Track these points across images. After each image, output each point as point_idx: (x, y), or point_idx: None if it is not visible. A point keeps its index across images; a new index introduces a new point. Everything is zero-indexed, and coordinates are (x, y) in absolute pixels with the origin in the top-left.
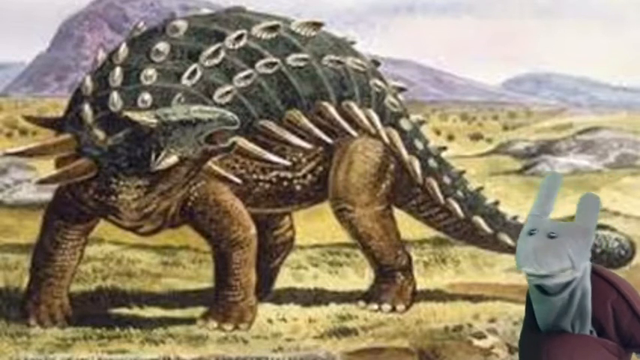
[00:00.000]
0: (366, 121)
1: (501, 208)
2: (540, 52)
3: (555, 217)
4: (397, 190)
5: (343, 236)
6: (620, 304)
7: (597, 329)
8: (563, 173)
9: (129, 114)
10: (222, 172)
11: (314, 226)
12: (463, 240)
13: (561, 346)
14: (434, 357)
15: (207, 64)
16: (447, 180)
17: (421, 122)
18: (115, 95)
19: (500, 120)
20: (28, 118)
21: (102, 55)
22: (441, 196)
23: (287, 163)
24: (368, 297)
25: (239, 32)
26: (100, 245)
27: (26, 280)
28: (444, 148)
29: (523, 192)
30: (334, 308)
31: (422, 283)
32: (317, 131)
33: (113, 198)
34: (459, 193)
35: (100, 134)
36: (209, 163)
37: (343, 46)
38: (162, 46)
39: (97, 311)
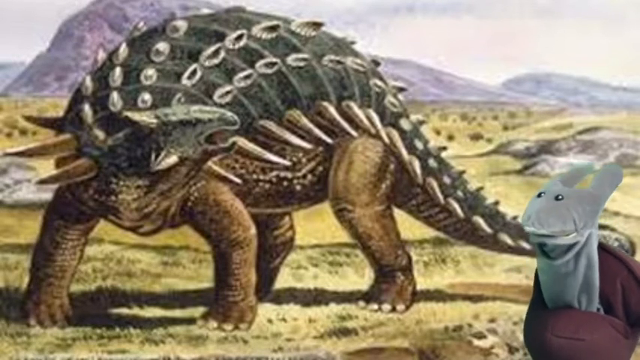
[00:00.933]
0: (366, 121)
1: (501, 208)
2: (540, 52)
3: None
4: (397, 190)
5: (343, 236)
6: (630, 281)
7: (605, 306)
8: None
9: (129, 114)
10: (222, 172)
11: (314, 226)
12: (463, 240)
13: (567, 322)
14: (434, 357)
15: (207, 64)
16: (447, 180)
17: (421, 122)
18: (115, 95)
19: (500, 120)
20: (28, 118)
21: (102, 55)
22: (441, 196)
23: (287, 163)
24: (368, 297)
25: (239, 32)
26: (100, 245)
27: (26, 280)
28: (444, 148)
29: (523, 192)
30: (334, 308)
31: (422, 283)
32: (317, 131)
33: (113, 198)
34: (459, 193)
35: (100, 134)
36: (209, 163)
37: (343, 46)
38: (162, 46)
39: (97, 311)
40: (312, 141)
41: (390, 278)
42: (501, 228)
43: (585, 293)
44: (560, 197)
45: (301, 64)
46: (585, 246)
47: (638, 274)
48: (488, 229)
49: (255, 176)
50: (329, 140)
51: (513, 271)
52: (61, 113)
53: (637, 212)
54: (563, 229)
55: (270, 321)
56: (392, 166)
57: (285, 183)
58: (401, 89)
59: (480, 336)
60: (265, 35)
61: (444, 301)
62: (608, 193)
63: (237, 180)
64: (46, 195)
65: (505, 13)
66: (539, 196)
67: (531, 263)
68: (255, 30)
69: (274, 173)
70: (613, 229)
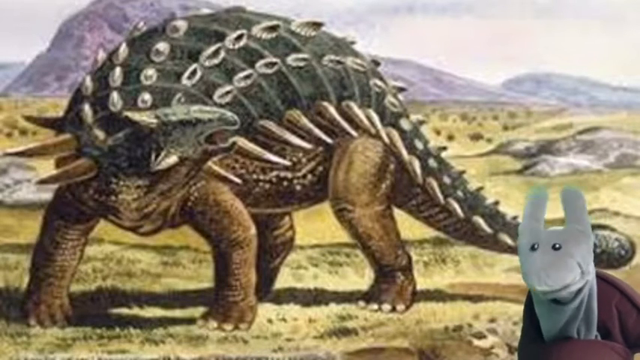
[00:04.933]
0: (366, 121)
1: (501, 208)
2: (540, 52)
3: (554, 219)
4: (397, 190)
5: (343, 236)
6: (625, 304)
7: (602, 333)
8: (563, 173)
9: (129, 114)
10: (222, 172)
11: (314, 226)
12: (463, 240)
13: (570, 353)
14: (434, 357)
15: (207, 64)
16: (447, 180)
17: (421, 122)
18: (115, 95)
19: (500, 120)
20: (28, 118)
21: (102, 55)
22: (441, 196)
23: (287, 163)
24: (368, 297)
25: (239, 32)
26: (100, 245)
27: (26, 280)
28: (444, 148)
29: (523, 192)
30: (334, 308)
31: (422, 283)
32: (317, 131)
33: (113, 198)
34: (459, 193)
35: (100, 134)
36: (209, 163)
37: (343, 46)
38: (162, 46)
39: (97, 311)
40: (312, 141)
41: (390, 278)
42: (501, 228)
43: (584, 323)
44: (557, 246)
45: (301, 64)
46: (591, 281)
47: (631, 296)
48: (488, 229)
49: (255, 176)
50: (329, 140)
51: (513, 271)
52: (61, 113)
53: (637, 212)
54: (573, 278)
55: (270, 321)
56: (392, 166)
57: (285, 183)
58: (401, 89)
59: (480, 336)
60: (265, 35)
61: (444, 301)
62: (588, 219)
63: (237, 180)
64: (46, 195)
65: (505, 13)
66: (532, 248)
67: None
68: (255, 30)
69: (274, 173)
70: (613, 229)
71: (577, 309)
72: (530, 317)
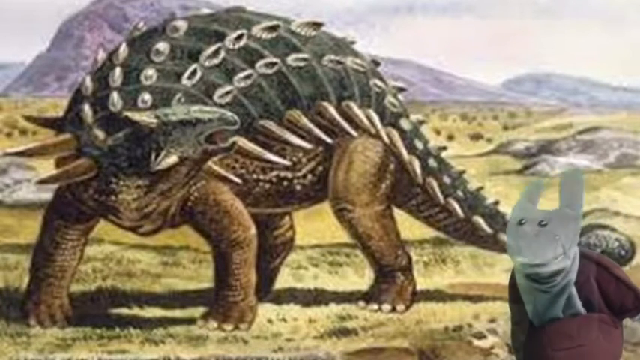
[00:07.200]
0: (366, 121)
1: (501, 208)
2: (540, 52)
3: None
4: (397, 190)
5: (343, 236)
6: (602, 274)
7: (586, 307)
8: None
9: (129, 114)
10: (222, 172)
11: (314, 226)
12: (463, 240)
13: (561, 334)
14: (434, 357)
15: (207, 64)
16: (447, 180)
17: (421, 122)
18: (115, 95)
19: (500, 120)
20: (28, 118)
21: (102, 55)
22: (441, 196)
23: (287, 163)
24: (368, 297)
25: (239, 32)
26: (100, 245)
27: (26, 280)
28: (444, 148)
29: None
30: (334, 308)
31: (422, 283)
32: (317, 131)
33: (113, 198)
34: (459, 193)
35: (100, 134)
36: (209, 163)
37: (343, 46)
38: (162, 46)
39: (97, 311)
40: (312, 141)
41: (390, 278)
42: (501, 228)
43: (567, 301)
44: (543, 223)
45: (301, 64)
46: (571, 266)
47: (607, 265)
48: (488, 229)
49: (255, 176)
50: (329, 140)
51: None
52: (61, 113)
53: (637, 212)
54: (554, 255)
55: (270, 321)
56: (392, 166)
57: (285, 183)
58: (401, 89)
59: (480, 336)
60: (265, 35)
61: (444, 301)
62: (582, 199)
63: (237, 180)
64: (46, 195)
65: (505, 13)
66: (520, 223)
67: None
68: (255, 30)
69: (274, 173)
70: (613, 229)
71: (560, 293)
72: (516, 306)
